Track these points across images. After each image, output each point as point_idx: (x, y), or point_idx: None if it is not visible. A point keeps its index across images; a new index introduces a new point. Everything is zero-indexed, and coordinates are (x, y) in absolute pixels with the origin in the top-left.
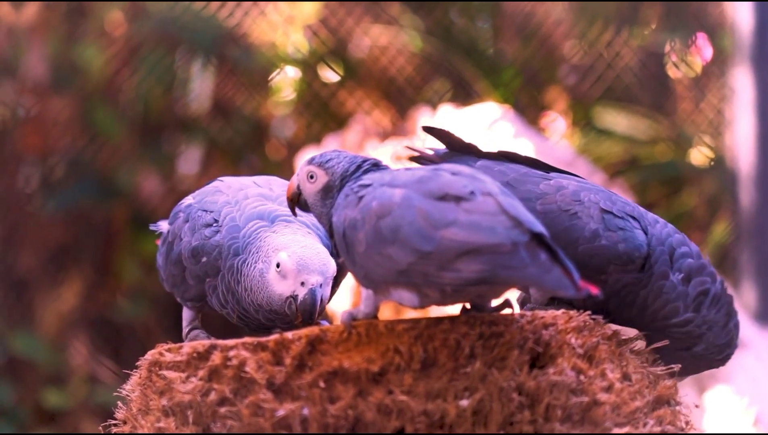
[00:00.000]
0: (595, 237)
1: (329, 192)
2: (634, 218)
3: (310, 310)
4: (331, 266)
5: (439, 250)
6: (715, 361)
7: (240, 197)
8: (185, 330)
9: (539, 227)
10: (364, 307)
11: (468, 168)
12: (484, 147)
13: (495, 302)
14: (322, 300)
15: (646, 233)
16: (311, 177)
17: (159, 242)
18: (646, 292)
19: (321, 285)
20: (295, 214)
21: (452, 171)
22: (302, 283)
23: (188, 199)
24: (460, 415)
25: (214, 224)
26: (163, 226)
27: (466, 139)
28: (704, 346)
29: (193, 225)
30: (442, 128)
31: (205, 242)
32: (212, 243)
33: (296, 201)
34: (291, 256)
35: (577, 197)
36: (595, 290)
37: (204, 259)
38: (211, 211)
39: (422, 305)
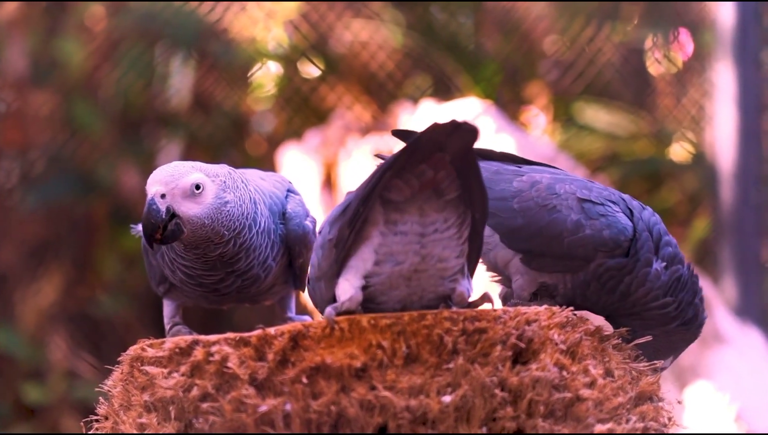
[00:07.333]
0: (579, 228)
1: None
2: (613, 202)
3: (144, 220)
4: (184, 179)
5: None
6: (689, 334)
7: None
8: (167, 326)
9: None
10: (347, 302)
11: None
12: None
13: (474, 296)
14: (177, 216)
15: (628, 216)
16: None
17: None
18: (630, 279)
19: (163, 195)
20: None
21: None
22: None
23: None
24: (443, 411)
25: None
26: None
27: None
28: (678, 323)
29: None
30: (412, 130)
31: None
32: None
33: None
34: None
35: (552, 190)
36: None
37: None
38: None
39: None
